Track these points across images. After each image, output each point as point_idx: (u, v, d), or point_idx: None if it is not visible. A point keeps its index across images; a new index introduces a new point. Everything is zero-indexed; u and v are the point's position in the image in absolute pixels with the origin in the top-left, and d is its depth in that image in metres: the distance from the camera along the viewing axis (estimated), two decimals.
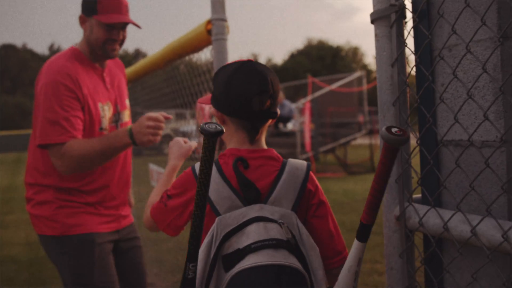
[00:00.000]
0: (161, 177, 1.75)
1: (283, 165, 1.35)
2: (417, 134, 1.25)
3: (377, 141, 15.24)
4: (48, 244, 2.27)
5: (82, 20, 2.28)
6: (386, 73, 1.28)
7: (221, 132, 1.02)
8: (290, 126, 14.70)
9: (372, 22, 1.32)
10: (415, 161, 1.29)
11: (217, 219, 1.23)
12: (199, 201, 1.07)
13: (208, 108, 5.26)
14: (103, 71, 2.39)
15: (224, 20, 2.45)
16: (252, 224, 1.21)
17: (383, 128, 0.94)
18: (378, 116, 1.32)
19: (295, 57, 56.00)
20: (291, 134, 14.03)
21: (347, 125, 14.66)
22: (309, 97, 14.00)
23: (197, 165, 1.34)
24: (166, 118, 2.14)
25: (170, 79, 3.90)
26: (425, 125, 1.22)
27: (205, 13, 2.53)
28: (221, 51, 2.53)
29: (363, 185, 10.38)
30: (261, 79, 1.30)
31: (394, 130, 0.93)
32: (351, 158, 14.68)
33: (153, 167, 3.62)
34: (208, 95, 1.49)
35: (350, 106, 15.01)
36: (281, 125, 14.55)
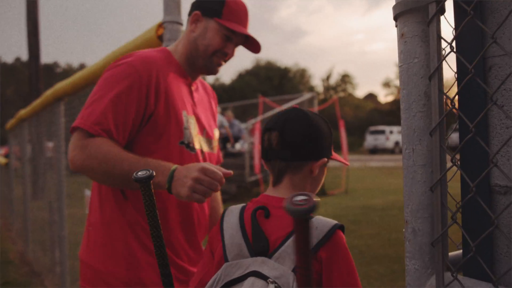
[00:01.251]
0: None
1: None
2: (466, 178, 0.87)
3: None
4: None
5: (195, 18, 1.80)
6: (417, 88, 0.90)
7: (150, 177, 1.10)
8: (238, 146, 14.31)
9: (395, 17, 0.95)
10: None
11: (223, 265, 1.22)
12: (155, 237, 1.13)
13: None
14: (192, 84, 1.90)
15: (179, 23, 2.04)
16: (249, 277, 1.17)
17: (287, 198, 0.83)
18: (403, 150, 0.94)
19: (243, 76, 55.90)
20: (239, 155, 13.63)
21: None
22: (260, 118, 13.67)
23: (225, 216, 1.34)
24: (226, 175, 1.51)
25: None
26: (483, 165, 0.84)
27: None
28: None
29: None
30: (275, 118, 1.32)
31: (297, 199, 0.82)
32: None
33: (88, 193, 3.12)
34: None
35: None
36: (229, 146, 14.15)
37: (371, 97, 60.97)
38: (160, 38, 2.08)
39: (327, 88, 57.66)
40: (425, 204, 0.90)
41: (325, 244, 1.17)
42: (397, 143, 31.71)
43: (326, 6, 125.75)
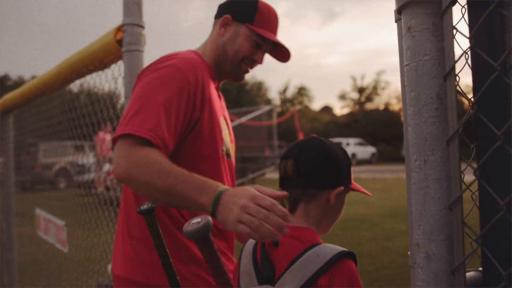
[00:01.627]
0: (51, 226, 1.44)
1: (308, 249, 1.19)
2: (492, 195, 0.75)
3: None
4: None
5: (225, 22, 1.76)
6: (429, 90, 0.78)
7: (152, 209, 1.13)
8: None
9: (399, 10, 0.83)
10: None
11: None
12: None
13: (109, 140, 4.69)
14: (218, 88, 1.86)
15: (141, 26, 1.88)
16: None
17: (186, 223, 0.94)
18: (412, 162, 0.82)
19: None
20: None
21: (256, 160, 14.33)
22: None
23: (245, 247, 1.36)
24: (279, 198, 1.22)
25: (65, 104, 3.20)
26: (508, 178, 0.73)
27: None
28: (134, 66, 1.92)
29: None
30: (292, 147, 1.33)
31: (192, 222, 0.87)
32: None
33: (40, 213, 2.87)
34: None
35: (259, 140, 14.74)
36: None
37: (327, 109, 61.74)
38: (119, 42, 1.91)
39: (284, 101, 57.97)
40: (439, 224, 0.78)
41: (327, 271, 1.13)
42: (353, 155, 32.12)
43: (282, 20, 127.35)
